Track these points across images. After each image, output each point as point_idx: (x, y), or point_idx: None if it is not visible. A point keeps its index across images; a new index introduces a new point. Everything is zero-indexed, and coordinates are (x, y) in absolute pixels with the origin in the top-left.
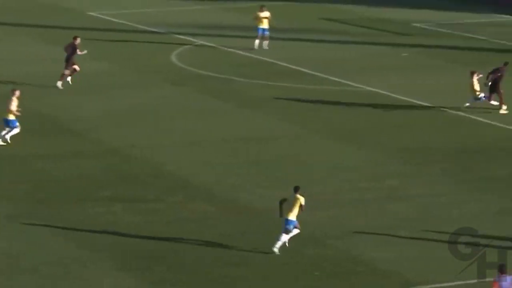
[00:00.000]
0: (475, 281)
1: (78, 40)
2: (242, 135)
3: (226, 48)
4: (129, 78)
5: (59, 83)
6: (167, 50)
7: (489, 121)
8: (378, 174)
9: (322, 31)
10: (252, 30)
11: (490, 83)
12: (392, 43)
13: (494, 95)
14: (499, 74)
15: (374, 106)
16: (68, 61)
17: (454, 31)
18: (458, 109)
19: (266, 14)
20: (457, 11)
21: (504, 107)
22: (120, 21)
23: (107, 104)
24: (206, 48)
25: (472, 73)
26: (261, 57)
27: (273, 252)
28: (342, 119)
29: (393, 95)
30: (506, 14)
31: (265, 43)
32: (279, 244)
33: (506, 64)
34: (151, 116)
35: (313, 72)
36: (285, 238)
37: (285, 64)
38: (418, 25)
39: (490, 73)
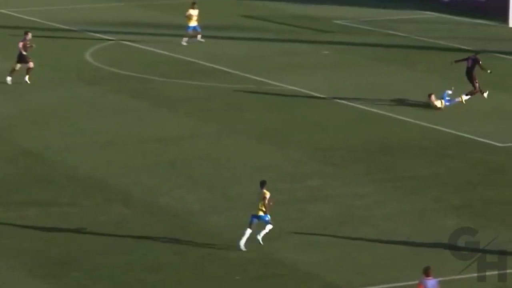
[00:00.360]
0: (400, 284)
1: (30, 36)
2: (160, 135)
3: (142, 46)
4: (42, 77)
5: (27, 77)
6: (81, 48)
7: (410, 120)
8: (299, 175)
9: (243, 28)
10: (168, 27)
11: (466, 74)
12: (313, 40)
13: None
14: (470, 60)
15: (295, 105)
16: (21, 58)
17: (376, 28)
18: (380, 107)
19: (196, 11)
20: (378, 7)
21: (485, 93)
22: (32, 19)
23: (19, 104)
24: (122, 46)
25: (430, 96)
26: (179, 56)
27: (260, 243)
28: (262, 118)
29: (314, 93)
30: (428, 10)
31: (198, 37)
32: (262, 234)
33: (477, 53)
34: (66, 117)
35: (233, 71)
36: (269, 227)
37: (204, 63)
38: (339, 22)
39: (458, 61)
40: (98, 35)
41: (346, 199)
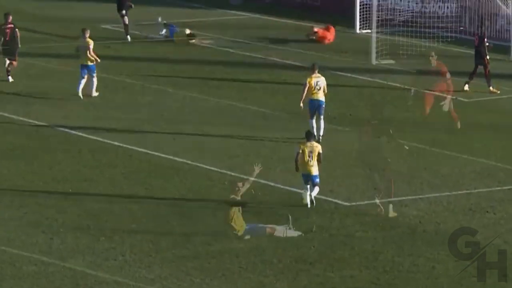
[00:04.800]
0: None
1: None
2: None
3: None
4: None
5: None
6: None
7: (213, 168)
8: None
9: None
10: None
11: None
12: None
13: None
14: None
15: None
16: None
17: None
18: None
19: None
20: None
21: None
22: None
23: None
24: None
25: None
26: None
27: (305, 202)
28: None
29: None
30: (229, 8)
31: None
32: (314, 192)
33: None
34: None
35: None
36: (316, 191)
37: None
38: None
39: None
40: None
41: None
